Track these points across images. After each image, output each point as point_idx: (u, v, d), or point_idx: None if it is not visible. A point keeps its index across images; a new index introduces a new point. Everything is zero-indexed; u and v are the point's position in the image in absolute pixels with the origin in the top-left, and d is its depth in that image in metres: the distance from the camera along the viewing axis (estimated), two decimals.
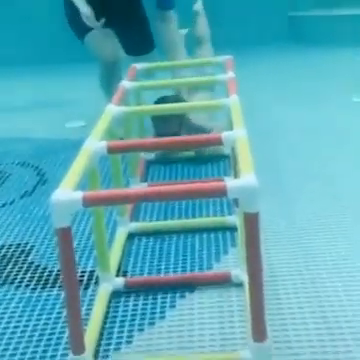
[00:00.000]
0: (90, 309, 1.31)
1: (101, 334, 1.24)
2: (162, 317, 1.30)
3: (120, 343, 1.22)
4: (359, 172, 2.00)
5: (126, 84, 1.86)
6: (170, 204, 1.88)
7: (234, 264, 1.48)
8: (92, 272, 1.50)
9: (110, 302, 1.35)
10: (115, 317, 1.30)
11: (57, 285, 1.45)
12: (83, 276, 1.48)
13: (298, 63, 3.75)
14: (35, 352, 1.22)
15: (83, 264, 1.54)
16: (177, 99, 2.16)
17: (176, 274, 1.47)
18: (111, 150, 1.35)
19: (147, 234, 1.68)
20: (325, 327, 1.22)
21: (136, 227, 1.71)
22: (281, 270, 1.44)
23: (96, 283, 1.42)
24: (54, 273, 1.52)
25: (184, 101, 2.18)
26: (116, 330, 1.26)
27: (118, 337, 1.24)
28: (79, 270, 1.48)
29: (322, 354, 1.14)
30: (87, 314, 1.28)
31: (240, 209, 1.40)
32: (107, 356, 1.19)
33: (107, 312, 1.32)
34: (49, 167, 2.29)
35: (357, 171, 2.01)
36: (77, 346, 1.09)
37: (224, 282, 1.39)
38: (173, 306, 1.33)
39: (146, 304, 1.34)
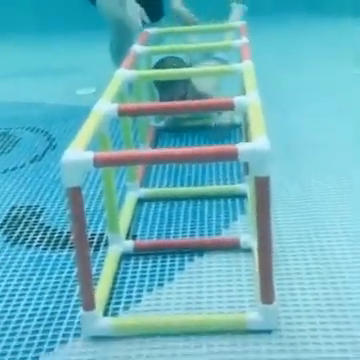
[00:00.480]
0: (100, 270, 1.32)
1: (111, 293, 1.26)
2: (171, 279, 1.31)
3: (129, 302, 1.24)
4: None
5: (137, 48, 1.84)
6: (180, 171, 1.88)
7: (243, 230, 1.48)
8: (102, 235, 1.50)
9: (120, 263, 1.36)
10: (124, 278, 1.32)
11: (67, 246, 1.47)
12: (93, 239, 1.49)
13: (302, 31, 3.69)
14: (46, 308, 1.24)
15: (93, 227, 1.55)
16: (178, 62, 2.03)
17: (185, 238, 1.48)
18: (122, 112, 1.33)
19: (156, 200, 1.68)
20: (334, 292, 1.22)
21: (145, 193, 1.71)
22: (290, 236, 1.44)
23: (106, 246, 1.44)
24: (64, 235, 1.53)
25: (185, 63, 2.10)
26: (125, 290, 1.28)
27: (127, 296, 1.26)
28: (89, 233, 1.49)
29: (330, 318, 1.15)
30: (97, 274, 1.30)
31: (251, 173, 1.40)
32: (117, 314, 1.21)
33: (116, 272, 1.33)
34: (59, 133, 2.29)
35: None
36: (88, 302, 1.11)
37: (233, 247, 1.40)
38: (182, 269, 1.34)
39: (155, 266, 1.36)
